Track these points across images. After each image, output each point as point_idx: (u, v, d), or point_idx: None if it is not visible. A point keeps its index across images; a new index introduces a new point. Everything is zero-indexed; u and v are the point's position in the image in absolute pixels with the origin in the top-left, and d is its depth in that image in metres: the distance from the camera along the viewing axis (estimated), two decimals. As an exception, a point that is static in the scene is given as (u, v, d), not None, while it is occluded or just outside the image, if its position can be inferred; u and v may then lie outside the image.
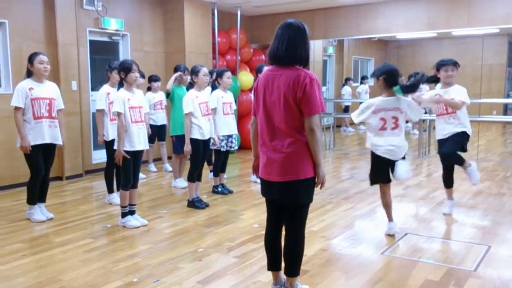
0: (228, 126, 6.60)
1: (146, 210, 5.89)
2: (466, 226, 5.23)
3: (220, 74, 6.56)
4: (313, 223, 5.25)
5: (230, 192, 6.73)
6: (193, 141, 5.84)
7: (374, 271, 3.99)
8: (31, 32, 7.33)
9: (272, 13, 11.29)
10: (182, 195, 6.68)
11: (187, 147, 5.82)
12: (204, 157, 6.07)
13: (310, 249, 4.42)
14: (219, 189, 6.73)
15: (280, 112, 3.10)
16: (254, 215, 5.61)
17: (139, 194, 6.42)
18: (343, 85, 14.91)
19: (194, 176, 5.97)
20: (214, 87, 6.63)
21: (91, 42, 8.27)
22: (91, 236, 4.96)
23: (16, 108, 5.23)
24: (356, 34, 11.04)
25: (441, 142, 5.53)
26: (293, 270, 3.36)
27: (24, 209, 5.65)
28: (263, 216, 5.53)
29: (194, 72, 5.96)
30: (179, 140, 6.66)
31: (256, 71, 7.57)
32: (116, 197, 6.07)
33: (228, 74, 6.56)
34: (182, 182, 7.10)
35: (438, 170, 8.33)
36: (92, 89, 8.29)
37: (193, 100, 5.81)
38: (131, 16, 8.84)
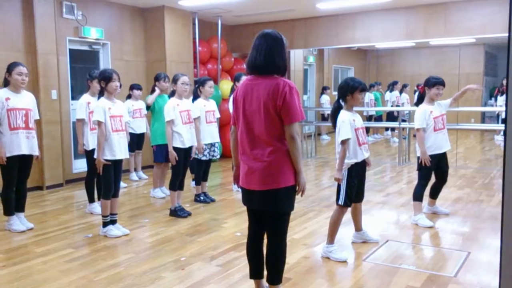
0: (211, 134, 6.61)
1: (128, 219, 5.85)
2: (446, 233, 5.30)
3: (202, 83, 6.57)
4: (295, 231, 5.27)
5: (213, 200, 6.73)
6: (174, 150, 5.82)
7: (356, 278, 4.02)
8: (10, 41, 7.26)
9: (252, 23, 11.35)
10: (163, 204, 6.66)
11: (172, 155, 5.79)
12: (185, 165, 6.06)
13: (292, 257, 4.44)
14: (201, 198, 6.72)
15: (260, 121, 3.12)
16: (236, 224, 5.61)
17: (120, 203, 6.37)
18: (321, 93, 15.04)
19: (176, 185, 5.96)
20: (196, 96, 6.63)
21: (71, 51, 8.22)
22: (72, 246, 4.90)
23: None
24: (336, 44, 11.16)
25: (438, 157, 5.56)
26: (276, 278, 3.38)
27: (3, 220, 5.57)
28: (245, 224, 5.53)
29: (174, 80, 5.98)
30: (160, 149, 6.66)
31: (234, 79, 7.60)
32: (97, 206, 6.02)
33: (210, 83, 6.59)
34: (160, 192, 7.07)
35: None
36: (72, 98, 8.23)
37: (174, 108, 5.81)
38: (111, 25, 8.82)
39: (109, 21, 8.79)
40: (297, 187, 3.23)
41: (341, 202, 4.43)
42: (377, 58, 18.01)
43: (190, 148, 6.06)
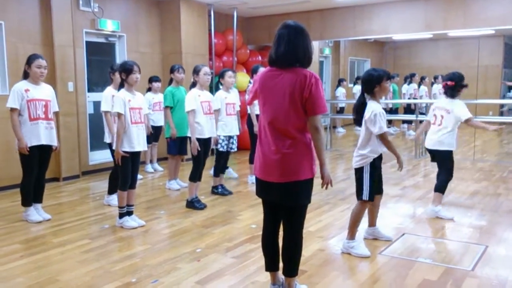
0: (230, 127, 6.62)
1: (144, 211, 5.88)
2: (463, 226, 5.25)
3: (222, 74, 6.60)
4: (311, 224, 5.26)
5: (230, 193, 6.73)
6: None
7: (372, 271, 4.00)
8: (27, 33, 7.32)
9: (268, 15, 11.31)
10: (179, 195, 6.69)
11: (194, 145, 5.78)
12: (205, 156, 6.06)
13: (307, 250, 4.43)
14: (219, 190, 6.72)
15: (283, 112, 3.10)
16: (252, 216, 5.61)
17: (136, 195, 6.42)
18: (337, 86, 14.95)
19: (196, 176, 5.97)
20: (217, 88, 6.64)
21: (88, 43, 8.26)
22: (88, 237, 4.95)
23: (12, 109, 5.22)
24: (352, 35, 11.07)
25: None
26: (292, 270, 3.37)
27: (22, 210, 5.63)
28: (261, 216, 5.52)
29: (196, 71, 5.97)
30: (174, 141, 6.67)
31: (252, 71, 7.57)
32: (114, 198, 6.06)
33: (230, 73, 6.61)
34: (176, 184, 7.09)
35: (434, 170, 8.35)
36: (89, 90, 8.28)
37: (196, 98, 5.81)
38: (127, 17, 8.84)
39: (125, 13, 8.81)
40: (322, 179, 3.21)
41: (365, 197, 4.30)
42: (394, 50, 17.87)
43: (210, 139, 6.06)
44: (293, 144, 3.10)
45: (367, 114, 4.24)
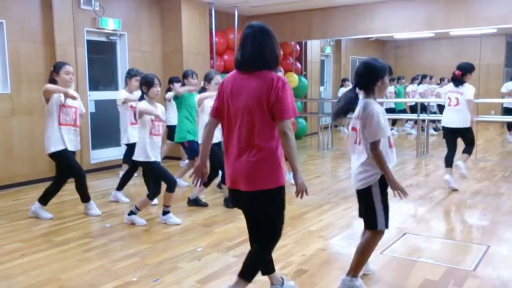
0: None
1: (144, 209, 5.87)
2: (465, 226, 5.24)
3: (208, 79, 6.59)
4: (312, 223, 5.25)
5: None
6: None
7: (373, 271, 3.99)
8: (28, 32, 7.31)
9: (269, 13, 11.30)
10: (180, 194, 6.68)
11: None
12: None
13: (308, 249, 4.43)
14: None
15: (249, 118, 2.94)
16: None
17: (137, 194, 6.44)
18: (341, 86, 14.78)
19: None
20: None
21: (89, 42, 8.25)
22: (90, 235, 4.95)
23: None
24: (354, 34, 11.06)
25: None
26: (246, 277, 3.19)
27: (23, 209, 5.64)
28: (262, 215, 5.55)
29: (208, 78, 5.95)
30: (191, 146, 6.61)
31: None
32: (122, 195, 6.22)
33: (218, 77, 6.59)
34: (182, 182, 7.09)
35: (436, 169, 8.36)
36: (90, 89, 8.28)
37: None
38: (129, 16, 8.84)
39: (127, 12, 8.80)
40: (295, 188, 2.97)
41: (381, 225, 3.46)
42: (396, 49, 17.85)
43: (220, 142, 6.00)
44: (259, 152, 2.94)
45: (367, 116, 3.34)
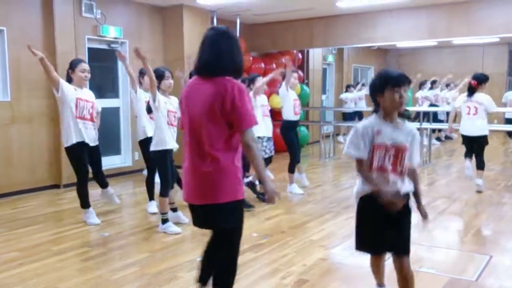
0: (266, 128, 6.70)
1: (144, 218, 5.84)
2: (467, 236, 5.19)
3: (252, 80, 6.72)
4: (313, 232, 5.21)
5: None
6: None
7: (374, 281, 3.94)
8: (29, 40, 7.24)
9: (271, 22, 11.30)
10: (179, 204, 6.63)
11: None
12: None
13: (309, 259, 4.38)
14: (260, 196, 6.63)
15: (204, 127, 2.76)
16: (252, 224, 5.55)
17: (137, 203, 6.40)
18: (345, 91, 14.54)
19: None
20: None
21: (90, 49, 8.24)
22: (88, 244, 4.91)
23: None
24: (356, 43, 11.05)
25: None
26: None
27: (22, 217, 5.61)
28: (262, 225, 5.51)
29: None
30: None
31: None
32: (154, 204, 6.05)
33: (260, 78, 6.71)
34: None
35: (439, 179, 8.32)
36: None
37: None
38: (130, 24, 8.84)
39: (128, 19, 8.81)
40: (266, 195, 2.87)
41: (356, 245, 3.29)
42: (398, 58, 17.84)
43: None
44: (213, 162, 2.75)
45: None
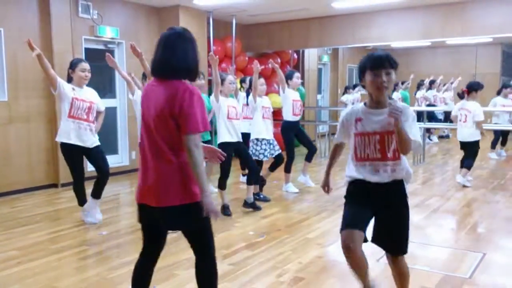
0: (267, 130, 6.70)
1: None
2: (461, 234, 5.25)
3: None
4: (309, 230, 5.26)
5: (267, 200, 6.68)
6: (223, 145, 5.79)
7: (370, 278, 3.99)
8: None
9: (267, 22, 11.34)
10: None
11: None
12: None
13: (305, 256, 4.43)
14: (261, 196, 6.70)
15: (157, 130, 2.70)
16: (249, 223, 5.61)
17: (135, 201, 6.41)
18: (343, 93, 14.50)
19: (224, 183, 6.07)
20: (248, 94, 6.76)
21: (87, 50, 8.27)
22: (86, 243, 4.95)
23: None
24: (351, 43, 11.10)
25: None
26: None
27: (20, 216, 5.63)
28: (259, 223, 5.57)
29: (220, 80, 5.88)
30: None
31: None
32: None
33: (262, 80, 6.75)
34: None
35: (432, 177, 8.39)
36: (88, 97, 8.29)
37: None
38: (127, 24, 8.87)
39: (125, 20, 8.84)
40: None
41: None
42: (392, 58, 17.87)
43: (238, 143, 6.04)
44: (167, 165, 2.70)
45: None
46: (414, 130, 2.86)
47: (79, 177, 5.58)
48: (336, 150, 3.33)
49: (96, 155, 5.58)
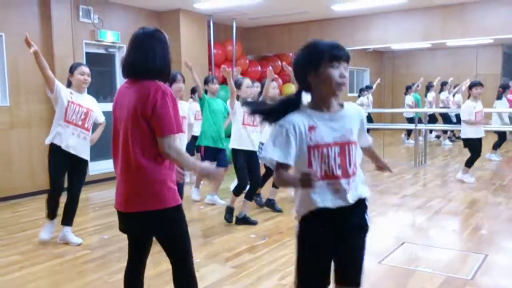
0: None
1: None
2: (463, 235, 5.25)
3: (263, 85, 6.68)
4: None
5: (279, 210, 6.39)
6: (236, 152, 5.68)
7: (372, 281, 3.99)
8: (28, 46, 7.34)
9: (267, 25, 11.37)
10: (184, 206, 6.66)
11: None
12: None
13: (307, 259, 4.42)
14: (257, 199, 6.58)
15: (129, 132, 2.60)
16: (250, 226, 5.60)
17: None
18: (358, 96, 14.35)
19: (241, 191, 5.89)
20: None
21: (88, 54, 8.30)
22: (88, 247, 4.95)
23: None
24: (351, 45, 11.09)
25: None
26: None
27: (22, 221, 5.64)
28: (260, 226, 5.56)
29: (237, 85, 5.73)
30: (206, 154, 6.40)
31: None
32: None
33: (274, 84, 6.49)
34: (196, 194, 6.99)
35: (434, 179, 8.38)
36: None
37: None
38: (127, 28, 8.88)
39: (125, 24, 8.86)
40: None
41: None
42: (393, 59, 17.92)
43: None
44: (140, 170, 2.58)
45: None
46: (366, 135, 2.50)
47: (59, 186, 5.11)
48: (283, 176, 2.25)
49: (78, 172, 5.19)
